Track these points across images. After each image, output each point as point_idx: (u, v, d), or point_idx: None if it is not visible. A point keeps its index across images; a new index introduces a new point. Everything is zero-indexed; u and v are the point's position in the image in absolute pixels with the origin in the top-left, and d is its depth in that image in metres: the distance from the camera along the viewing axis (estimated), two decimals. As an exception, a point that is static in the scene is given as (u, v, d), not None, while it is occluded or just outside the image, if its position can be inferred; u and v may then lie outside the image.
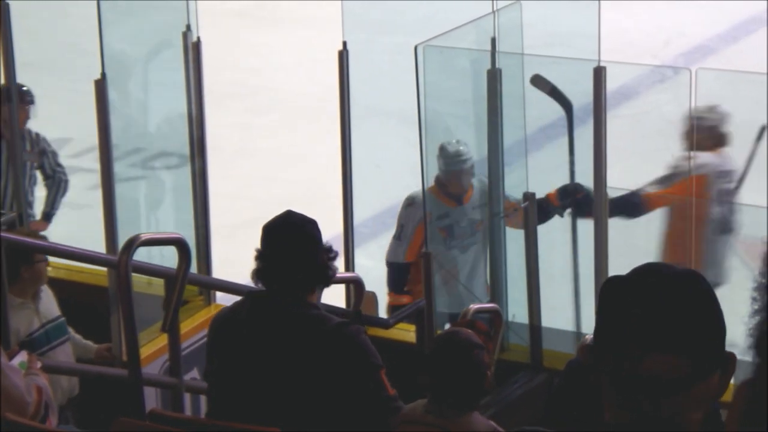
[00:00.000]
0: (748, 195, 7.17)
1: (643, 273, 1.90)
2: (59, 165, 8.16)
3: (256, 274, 4.29)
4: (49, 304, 6.13)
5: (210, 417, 4.48)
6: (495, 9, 6.85)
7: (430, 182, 7.16)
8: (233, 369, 4.26)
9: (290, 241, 4.24)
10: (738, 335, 1.94)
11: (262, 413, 4.18)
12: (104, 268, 6.79)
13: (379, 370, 4.20)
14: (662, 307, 1.85)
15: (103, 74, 6.66)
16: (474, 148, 7.19)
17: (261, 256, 4.28)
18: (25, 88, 7.78)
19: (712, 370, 1.87)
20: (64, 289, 6.63)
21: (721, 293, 1.98)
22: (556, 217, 7.28)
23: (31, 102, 7.90)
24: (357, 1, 7.20)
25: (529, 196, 6.92)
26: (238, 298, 6.87)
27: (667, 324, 1.84)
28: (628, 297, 1.88)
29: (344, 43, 7.09)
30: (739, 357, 1.92)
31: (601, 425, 1.91)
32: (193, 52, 7.15)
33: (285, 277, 4.21)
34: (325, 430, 4.15)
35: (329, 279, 4.30)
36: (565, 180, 7.28)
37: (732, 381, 1.96)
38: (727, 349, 1.91)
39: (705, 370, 1.86)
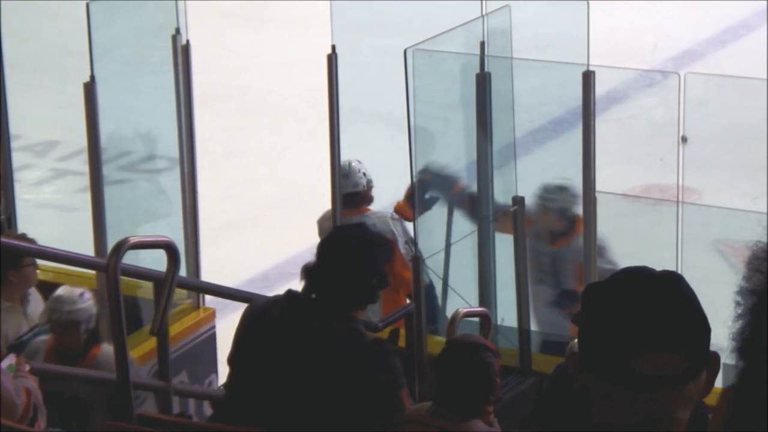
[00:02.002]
0: (737, 199, 7.19)
1: (626, 276, 1.93)
2: None
3: (307, 272, 4.27)
4: (37, 307, 6.12)
5: (225, 402, 4.48)
6: (484, 12, 6.86)
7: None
8: (259, 363, 4.26)
9: (351, 257, 4.22)
10: (723, 338, 1.96)
11: (279, 411, 4.19)
12: (93, 272, 6.78)
13: (401, 388, 4.22)
14: (652, 307, 1.87)
15: (92, 77, 6.65)
16: (463, 151, 7.20)
17: (319, 257, 4.27)
18: None
19: (702, 368, 1.89)
20: (52, 292, 6.61)
21: (707, 296, 2.00)
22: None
23: None
24: (344, 1, 7.19)
25: (518, 200, 6.93)
26: (227, 301, 6.92)
27: (660, 323, 1.86)
28: (617, 300, 1.89)
29: (333, 47, 7.10)
30: (724, 360, 1.94)
31: (590, 427, 1.92)
32: (182, 55, 7.15)
33: (331, 286, 4.21)
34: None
35: (366, 304, 4.29)
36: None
37: (719, 385, 1.98)
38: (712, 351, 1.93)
39: (696, 368, 1.88)
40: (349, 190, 7.43)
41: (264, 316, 4.32)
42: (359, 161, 7.56)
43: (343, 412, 4.16)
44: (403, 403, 4.24)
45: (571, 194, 7.03)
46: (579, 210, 6.94)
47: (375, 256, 4.26)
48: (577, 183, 6.66)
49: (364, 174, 7.53)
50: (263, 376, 4.24)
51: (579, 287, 7.13)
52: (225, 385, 4.51)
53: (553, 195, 7.03)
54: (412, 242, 7.26)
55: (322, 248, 4.29)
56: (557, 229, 7.10)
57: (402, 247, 7.27)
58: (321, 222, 7.62)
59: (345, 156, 7.34)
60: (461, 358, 4.33)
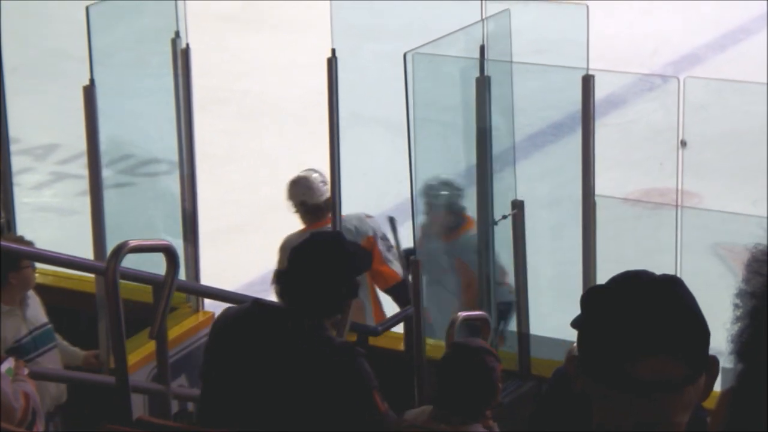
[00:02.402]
0: (737, 203, 7.19)
1: (625, 280, 1.93)
2: None
3: (278, 277, 4.27)
4: (36, 310, 6.12)
5: (198, 417, 4.49)
6: (484, 16, 6.86)
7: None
8: (233, 376, 4.27)
9: (323, 263, 4.22)
10: (722, 342, 1.96)
11: (252, 421, 4.20)
12: (92, 275, 6.78)
13: (373, 391, 4.21)
14: (652, 311, 1.87)
15: (92, 80, 6.65)
16: (462, 155, 7.21)
17: (291, 268, 4.26)
18: None
19: (701, 372, 1.89)
20: (51, 295, 6.61)
21: (706, 300, 2.00)
22: (544, 224, 7.29)
23: None
24: (344, 1, 7.19)
25: (517, 204, 6.93)
26: (226, 305, 6.91)
27: (660, 328, 1.87)
28: (617, 304, 1.89)
29: (333, 51, 7.10)
30: (723, 364, 1.94)
31: (589, 428, 1.93)
32: (182, 59, 7.16)
33: (300, 293, 4.21)
34: None
35: (333, 314, 4.29)
36: (551, 187, 7.30)
37: (717, 388, 1.98)
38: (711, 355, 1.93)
39: (696, 372, 1.88)
40: (316, 201, 7.41)
41: (233, 328, 4.32)
42: (314, 170, 7.55)
43: (317, 421, 4.16)
44: (378, 407, 4.22)
45: (456, 188, 7.11)
46: (465, 203, 6.98)
47: (347, 265, 4.26)
48: (577, 187, 6.67)
49: (323, 182, 7.50)
50: (236, 389, 4.24)
51: (463, 287, 7.16)
52: (199, 400, 4.50)
53: (438, 191, 7.07)
54: (385, 238, 7.39)
55: (296, 253, 4.29)
56: (448, 224, 7.16)
57: (379, 242, 7.37)
58: (284, 250, 7.51)
59: (344, 160, 7.33)
60: (465, 362, 4.33)
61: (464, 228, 7.16)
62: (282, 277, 4.26)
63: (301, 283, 4.20)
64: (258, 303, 4.35)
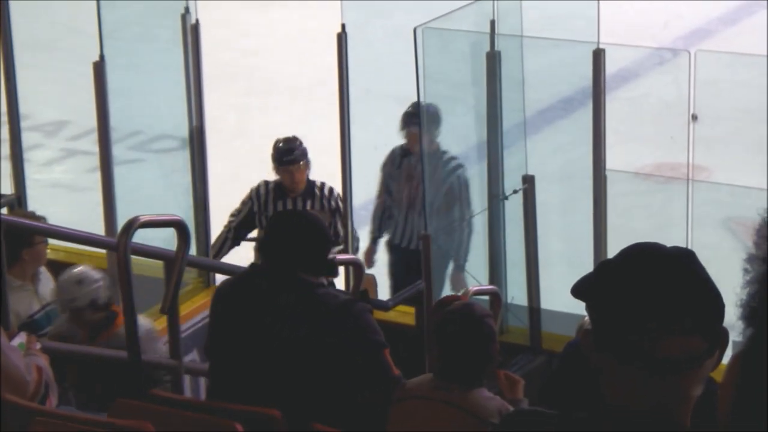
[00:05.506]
0: (748, 177, 7.18)
1: (639, 254, 1.91)
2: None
3: (262, 246, 4.32)
4: (47, 286, 6.13)
5: (211, 391, 4.50)
6: (494, -9, 6.85)
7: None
8: (238, 342, 4.27)
9: (306, 230, 4.30)
10: (733, 316, 1.95)
11: (265, 387, 4.20)
12: (103, 251, 6.79)
13: (384, 349, 4.21)
14: (668, 284, 1.86)
15: (102, 56, 6.65)
16: (473, 130, 7.20)
17: (272, 238, 4.29)
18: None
19: (718, 345, 1.88)
20: (63, 271, 6.62)
21: (717, 274, 2.00)
22: (555, 199, 7.29)
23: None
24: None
25: (528, 179, 6.93)
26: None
27: (679, 304, 1.85)
28: (632, 279, 1.87)
29: (343, 26, 7.09)
30: (733, 337, 1.93)
31: (602, 405, 1.92)
32: (191, 35, 7.15)
33: (298, 260, 4.23)
34: (329, 406, 4.18)
35: (335, 273, 4.35)
36: (562, 162, 7.29)
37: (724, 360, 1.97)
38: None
39: (713, 345, 1.87)
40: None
41: (235, 296, 4.34)
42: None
43: (330, 378, 4.17)
44: (391, 369, 4.22)
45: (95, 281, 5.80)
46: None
47: (324, 226, 4.39)
48: (587, 161, 6.66)
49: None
50: (246, 356, 4.25)
51: None
52: (210, 375, 4.51)
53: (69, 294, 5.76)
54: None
55: (274, 223, 4.34)
56: (98, 320, 5.89)
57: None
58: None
59: (354, 135, 7.30)
60: (464, 329, 4.27)
61: (117, 323, 5.82)
62: (265, 246, 4.31)
63: (287, 246, 4.25)
64: (254, 268, 4.38)
